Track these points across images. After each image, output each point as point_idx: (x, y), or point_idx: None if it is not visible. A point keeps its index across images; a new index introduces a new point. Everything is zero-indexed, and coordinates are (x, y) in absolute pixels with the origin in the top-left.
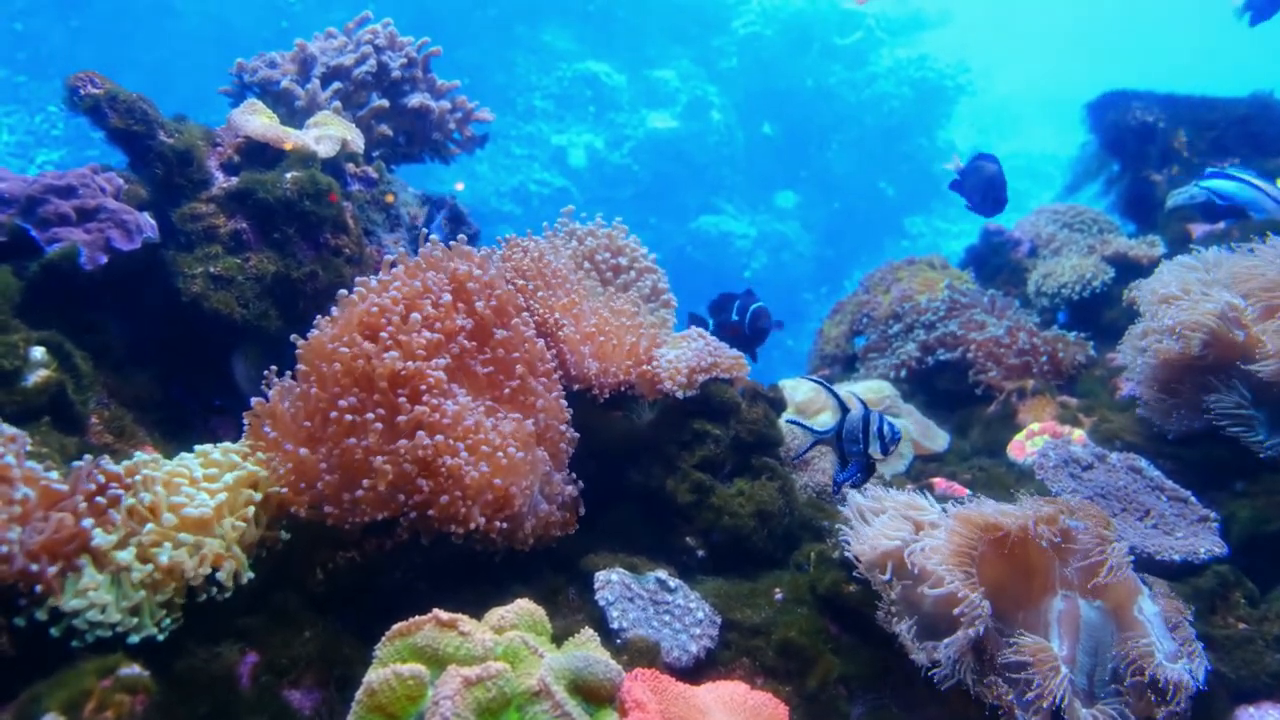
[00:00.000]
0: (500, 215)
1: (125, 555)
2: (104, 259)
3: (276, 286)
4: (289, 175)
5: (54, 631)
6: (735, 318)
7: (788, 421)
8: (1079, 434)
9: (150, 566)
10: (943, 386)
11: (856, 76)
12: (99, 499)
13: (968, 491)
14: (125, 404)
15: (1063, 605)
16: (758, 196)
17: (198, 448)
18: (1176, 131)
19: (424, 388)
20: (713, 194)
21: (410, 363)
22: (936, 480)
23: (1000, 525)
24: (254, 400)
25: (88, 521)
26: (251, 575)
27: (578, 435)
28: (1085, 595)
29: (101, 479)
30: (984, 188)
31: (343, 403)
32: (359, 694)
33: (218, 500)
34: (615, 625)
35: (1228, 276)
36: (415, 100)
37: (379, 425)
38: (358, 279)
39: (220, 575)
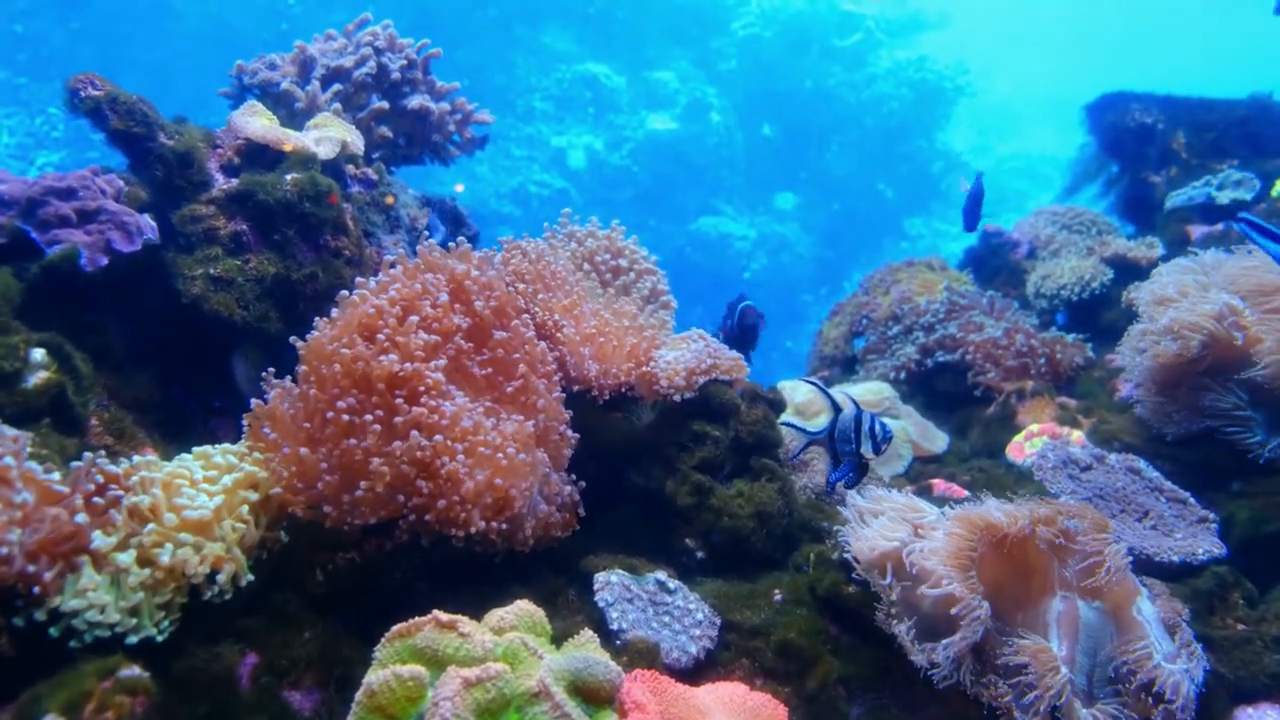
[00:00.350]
0: (500, 217)
1: (125, 557)
2: (104, 261)
3: (276, 288)
4: (289, 177)
5: (53, 631)
6: (728, 320)
7: (782, 423)
8: (1078, 435)
9: (148, 570)
10: (942, 388)
11: (856, 78)
12: (98, 499)
13: (967, 493)
14: (125, 405)
15: (1062, 606)
16: (757, 198)
17: (197, 449)
18: (1175, 133)
19: (422, 389)
20: (712, 195)
21: (408, 364)
22: (935, 481)
23: (999, 526)
24: (253, 402)
25: (81, 517)
26: (251, 577)
27: (578, 436)
28: (1084, 596)
29: (100, 479)
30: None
31: (341, 404)
32: (359, 695)
33: (216, 502)
34: (615, 626)
35: (1226, 279)
36: (415, 102)
37: (377, 427)
38: (357, 280)
39: (220, 577)
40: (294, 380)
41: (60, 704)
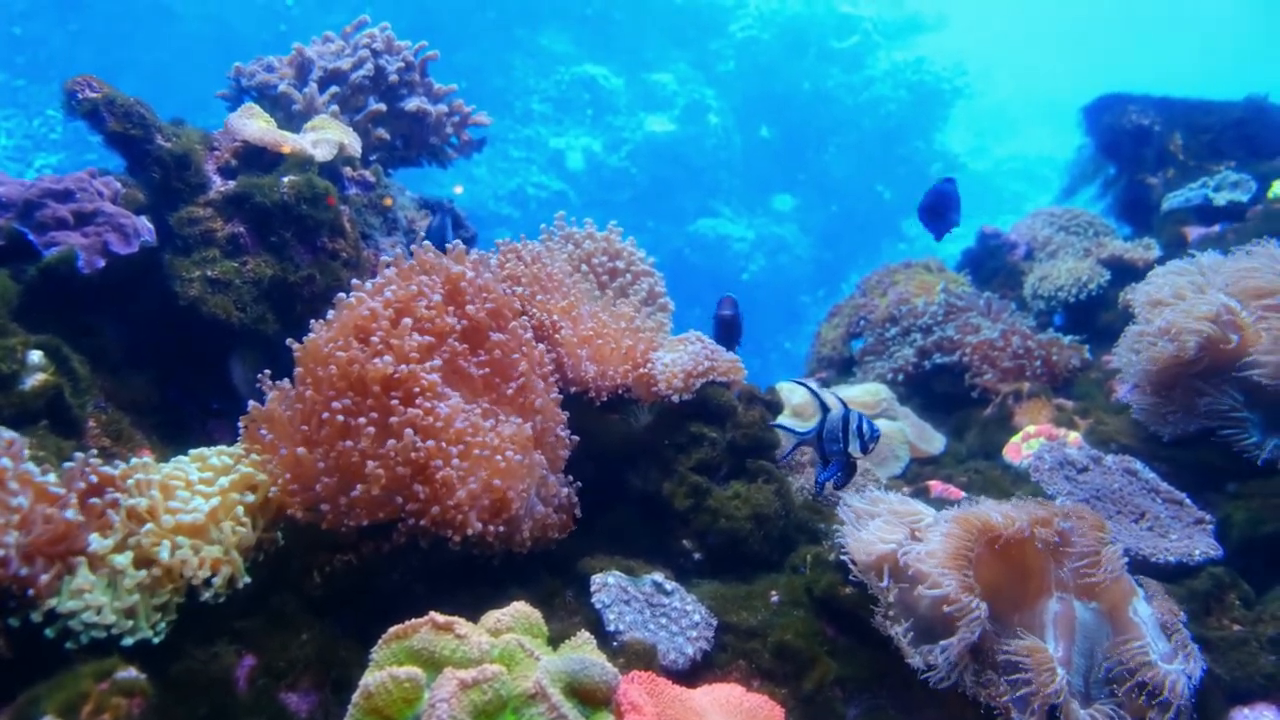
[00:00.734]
0: (498, 218)
1: (122, 559)
2: (101, 263)
3: (274, 290)
4: (286, 179)
5: (49, 633)
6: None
7: (772, 425)
8: (1074, 436)
9: (145, 571)
10: (939, 389)
11: (854, 80)
12: (95, 500)
13: (964, 494)
14: (123, 407)
15: (1058, 607)
16: (755, 199)
17: (193, 451)
18: (1172, 135)
19: (417, 390)
20: (710, 197)
21: (403, 366)
22: (933, 483)
23: (996, 527)
24: (250, 404)
25: (71, 513)
26: (248, 579)
27: (576, 438)
28: (1081, 597)
29: (95, 479)
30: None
31: (336, 404)
32: (355, 697)
33: (212, 504)
34: (612, 628)
35: (1223, 280)
36: (413, 104)
37: (371, 429)
38: (353, 282)
39: (216, 580)
40: (291, 382)
41: (57, 706)
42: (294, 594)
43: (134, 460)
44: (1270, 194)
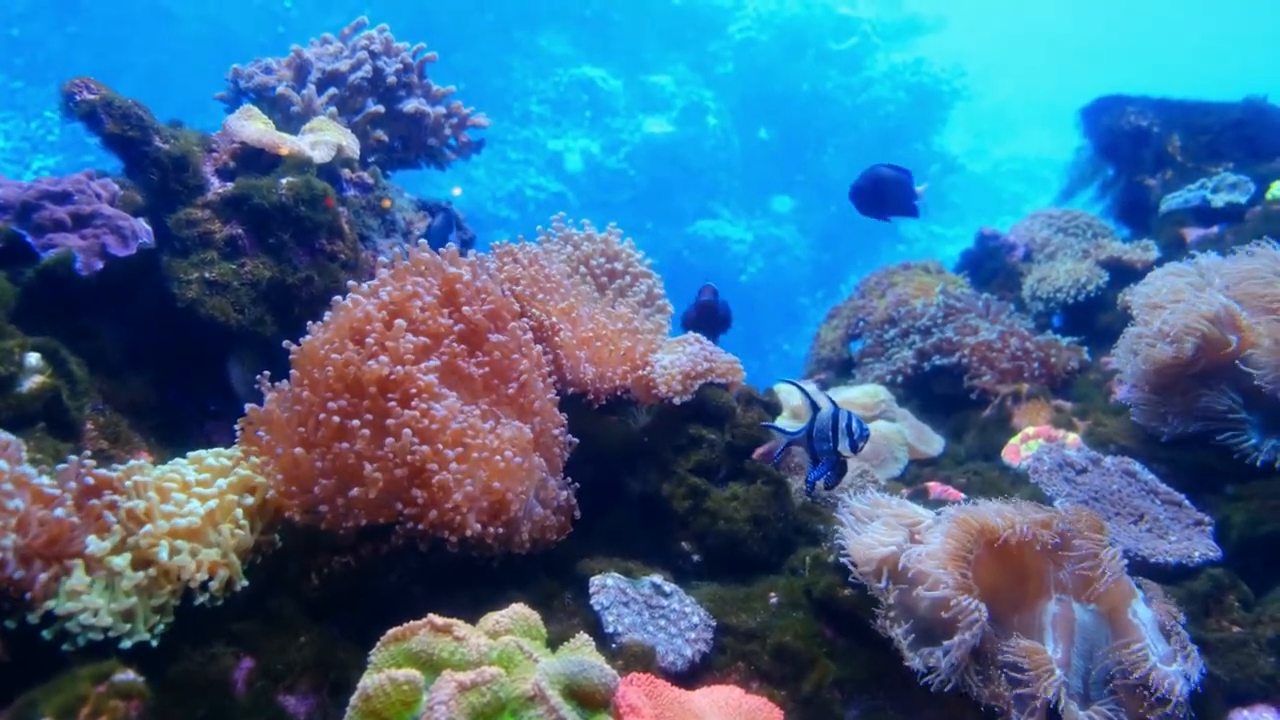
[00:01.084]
0: (497, 220)
1: (119, 560)
2: (99, 265)
3: (272, 292)
4: (284, 181)
5: (46, 634)
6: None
7: (764, 425)
8: (1073, 438)
9: (142, 573)
10: (938, 390)
11: (852, 81)
12: (92, 502)
13: (963, 495)
14: (121, 409)
15: (1057, 609)
16: (754, 201)
17: (191, 453)
18: (1170, 136)
19: (414, 391)
20: (709, 199)
21: (399, 367)
22: (932, 484)
23: (996, 529)
24: (248, 406)
25: (64, 512)
26: (246, 581)
27: (575, 440)
28: (1080, 599)
29: (91, 481)
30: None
31: (332, 405)
32: (354, 699)
33: (209, 506)
34: (610, 630)
35: (1222, 281)
36: (411, 105)
37: (366, 431)
38: (349, 284)
39: (213, 583)
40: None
41: (55, 708)
42: (292, 596)
43: (130, 462)
44: (1269, 195)
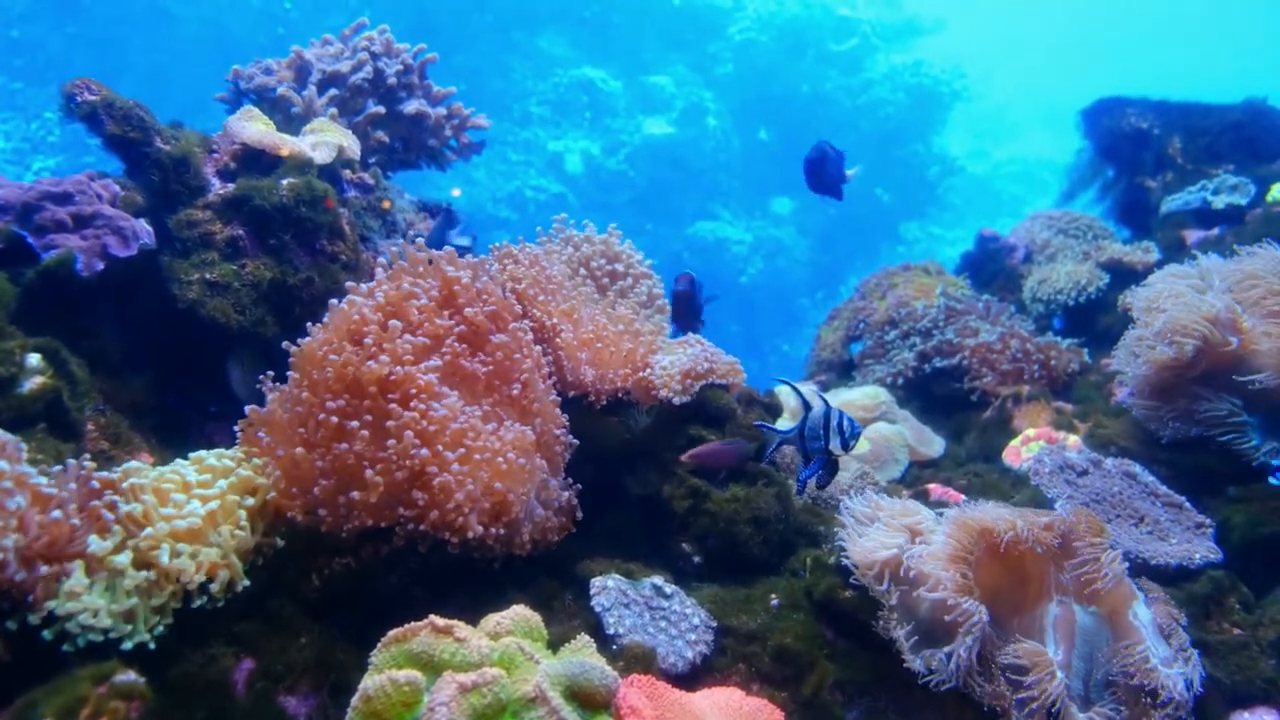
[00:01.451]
0: (497, 221)
1: (121, 559)
2: (100, 265)
3: (273, 293)
4: (285, 182)
5: (46, 635)
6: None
7: (756, 425)
8: (1074, 439)
9: (144, 573)
10: (939, 392)
11: (852, 82)
12: (94, 503)
13: (963, 497)
14: (121, 410)
15: (1058, 611)
16: (754, 202)
17: (192, 454)
18: (1171, 138)
19: (413, 391)
20: (709, 200)
21: (399, 367)
22: (932, 486)
23: (996, 531)
24: (249, 408)
25: (64, 514)
26: (247, 582)
27: (575, 442)
28: (1080, 601)
29: (95, 484)
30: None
31: (331, 404)
32: (354, 700)
33: (210, 507)
34: (611, 631)
35: (1223, 283)
36: (412, 107)
37: (365, 432)
38: (348, 285)
39: (214, 585)
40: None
41: (55, 709)
42: (292, 597)
43: (129, 464)
44: (1269, 197)
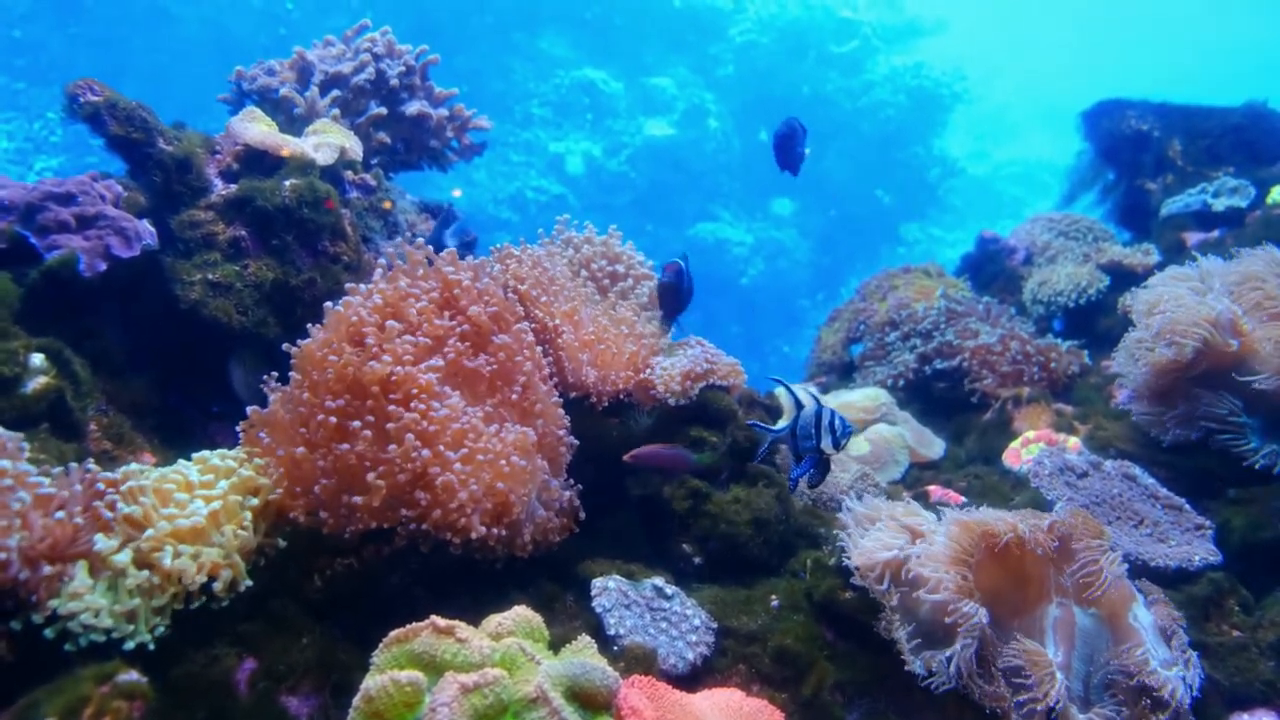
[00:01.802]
0: (498, 222)
1: (121, 559)
2: (103, 266)
3: (275, 293)
4: (288, 183)
5: (48, 633)
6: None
7: (749, 425)
8: (1074, 441)
9: (146, 573)
10: (939, 394)
11: (853, 84)
12: (97, 503)
13: (964, 498)
14: (124, 410)
15: (1058, 612)
16: (754, 204)
17: (195, 455)
18: (1171, 140)
19: (415, 391)
20: (709, 201)
21: (399, 367)
22: (932, 488)
23: (997, 533)
24: (250, 409)
25: (68, 514)
26: (249, 582)
27: (576, 442)
28: (1080, 603)
29: (101, 486)
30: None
31: (330, 404)
32: (356, 700)
33: (213, 508)
34: (612, 632)
35: (1223, 285)
36: (414, 108)
37: (368, 432)
38: (348, 285)
39: (216, 584)
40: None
41: (58, 709)
42: (294, 598)
43: (131, 466)
44: (1269, 199)
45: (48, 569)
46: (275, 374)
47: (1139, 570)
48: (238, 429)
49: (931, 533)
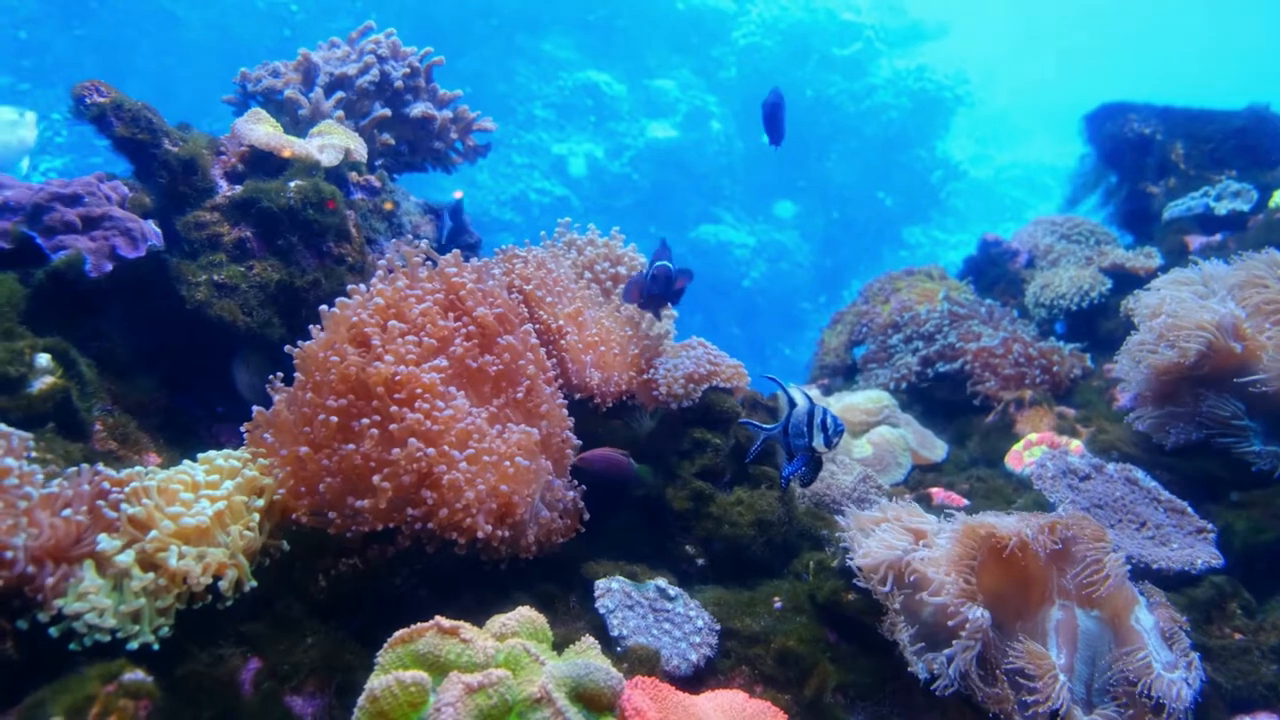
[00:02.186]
0: (501, 224)
1: (125, 558)
2: (109, 267)
3: (280, 294)
4: (293, 184)
5: (53, 631)
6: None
7: (741, 423)
8: (1076, 444)
9: (151, 575)
10: (941, 396)
11: (855, 87)
12: (100, 503)
13: (966, 501)
14: (129, 410)
15: (1060, 615)
16: (756, 206)
17: (201, 455)
18: (1174, 144)
19: (419, 391)
20: (712, 203)
21: (402, 367)
22: (935, 490)
23: (1000, 535)
24: (255, 409)
25: (73, 513)
26: (254, 583)
27: (580, 443)
28: (1083, 605)
29: (106, 485)
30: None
31: (331, 402)
32: (361, 700)
33: (218, 508)
34: (616, 633)
35: (1225, 289)
36: (418, 109)
37: (374, 431)
38: (349, 287)
39: (222, 584)
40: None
41: (63, 708)
42: (299, 598)
43: (136, 467)
44: (1271, 203)
45: (53, 568)
46: (280, 375)
47: (1141, 573)
48: (242, 429)
49: (935, 535)
